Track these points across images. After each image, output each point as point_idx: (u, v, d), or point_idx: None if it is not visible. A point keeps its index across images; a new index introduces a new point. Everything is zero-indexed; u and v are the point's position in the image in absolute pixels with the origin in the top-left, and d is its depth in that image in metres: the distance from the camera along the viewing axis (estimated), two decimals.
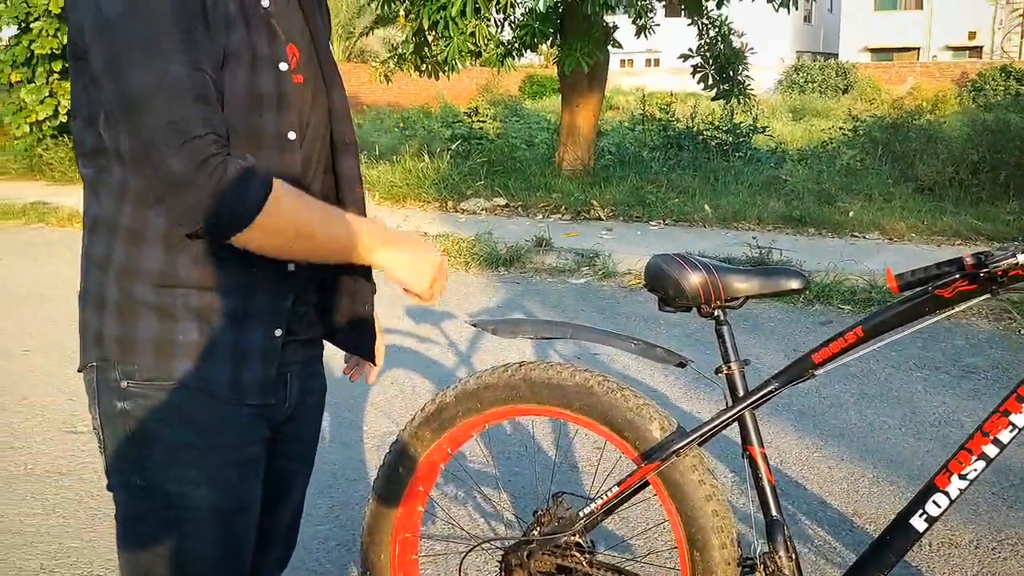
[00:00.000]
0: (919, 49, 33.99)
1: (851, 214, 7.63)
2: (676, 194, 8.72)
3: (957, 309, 1.75)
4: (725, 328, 1.90)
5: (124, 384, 1.29)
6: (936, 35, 33.66)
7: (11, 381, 4.48)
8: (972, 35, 33.03)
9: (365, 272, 1.51)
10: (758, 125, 11.99)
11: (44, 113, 11.37)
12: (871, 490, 3.19)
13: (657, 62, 39.01)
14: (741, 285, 1.86)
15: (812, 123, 18.13)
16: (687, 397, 4.10)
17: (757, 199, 8.33)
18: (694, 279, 1.86)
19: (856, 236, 7.25)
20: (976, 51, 33.05)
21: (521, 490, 3.14)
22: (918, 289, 1.75)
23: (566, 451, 3.45)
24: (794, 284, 1.87)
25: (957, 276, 1.66)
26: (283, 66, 1.28)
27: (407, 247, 1.39)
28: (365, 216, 1.45)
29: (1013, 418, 1.66)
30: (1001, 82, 24.16)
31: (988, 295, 1.70)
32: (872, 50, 34.56)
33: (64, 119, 11.51)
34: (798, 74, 29.63)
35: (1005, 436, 1.67)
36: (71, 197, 10.11)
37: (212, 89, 1.18)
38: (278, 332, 1.35)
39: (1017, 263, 1.58)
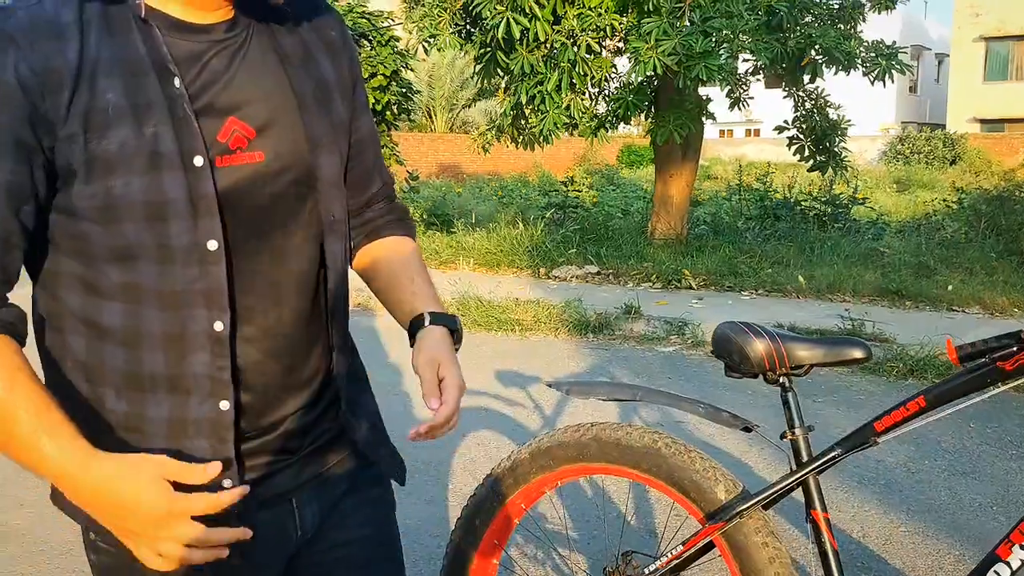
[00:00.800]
0: None
1: (950, 288, 7.47)
2: (770, 264, 8.70)
3: (1018, 382, 1.79)
4: (790, 395, 1.96)
5: (91, 535, 1.16)
6: None
7: None
8: None
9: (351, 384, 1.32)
10: (858, 196, 11.87)
11: None
12: (956, 568, 3.14)
13: (757, 132, 38.95)
14: (805, 353, 1.93)
15: (917, 194, 17.79)
16: (761, 461, 4.10)
17: (853, 270, 8.24)
18: (759, 347, 1.94)
19: (955, 310, 7.10)
20: None
21: (593, 548, 3.20)
22: (980, 361, 1.79)
23: (639, 511, 3.50)
24: (857, 354, 1.93)
25: (1015, 349, 1.70)
26: (198, 161, 1.06)
27: (106, 502, 1.02)
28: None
29: None
30: None
31: None
32: (982, 120, 33.76)
33: None
34: (903, 144, 29.15)
35: None
36: None
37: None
38: (226, 483, 1.12)
39: None
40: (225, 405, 1.12)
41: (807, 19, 7.62)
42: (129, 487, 1.01)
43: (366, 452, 1.33)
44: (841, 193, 11.64)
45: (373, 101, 12.82)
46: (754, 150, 32.44)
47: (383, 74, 12.85)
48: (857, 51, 7.72)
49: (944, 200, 12.25)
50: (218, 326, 1.10)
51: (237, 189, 1.10)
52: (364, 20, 13.18)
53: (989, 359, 1.74)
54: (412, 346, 1.33)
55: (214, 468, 1.06)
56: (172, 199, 1.05)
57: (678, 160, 9.52)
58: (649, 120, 9.20)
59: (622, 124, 9.24)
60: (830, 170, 9.83)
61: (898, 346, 5.87)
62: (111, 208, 1.04)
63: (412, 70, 14.48)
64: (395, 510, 1.46)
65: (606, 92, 9.44)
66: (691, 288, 8.21)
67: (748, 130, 40.25)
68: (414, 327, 1.33)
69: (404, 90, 13.56)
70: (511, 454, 2.16)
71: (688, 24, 7.05)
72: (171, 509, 1.01)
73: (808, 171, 10.45)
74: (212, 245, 1.08)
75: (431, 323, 1.33)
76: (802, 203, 11.46)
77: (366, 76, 12.72)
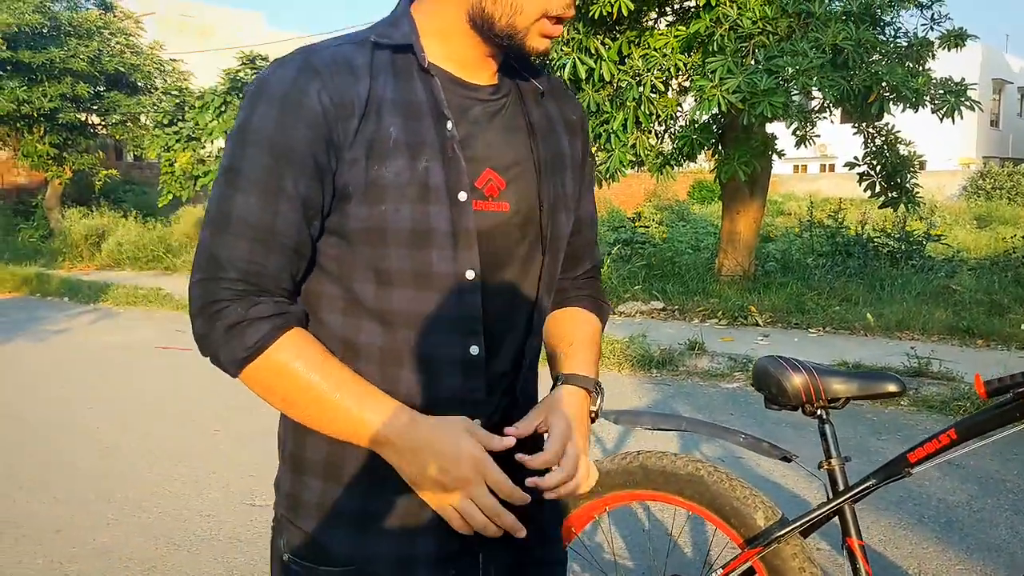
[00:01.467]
0: None
1: (1023, 327, 7.36)
2: (838, 301, 8.65)
3: None
4: (827, 427, 2.05)
5: (286, 557, 1.26)
6: None
7: (203, 459, 5.00)
8: None
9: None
10: (932, 233, 11.72)
11: None
12: None
13: (832, 167, 38.45)
14: (840, 387, 2.02)
15: (998, 231, 17.40)
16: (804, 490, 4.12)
17: (923, 308, 8.15)
18: (796, 380, 2.03)
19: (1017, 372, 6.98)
20: None
21: (638, 572, 3.29)
22: (1007, 396, 1.86)
23: (687, 537, 3.56)
24: (891, 387, 2.01)
25: None
26: (462, 196, 1.18)
27: (427, 457, 1.15)
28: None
29: None
30: None
31: None
32: None
33: None
34: (984, 180, 28.50)
35: None
36: None
37: (279, 228, 1.14)
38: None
39: None
40: (478, 422, 1.21)
41: (874, 57, 7.63)
42: (450, 440, 1.14)
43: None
44: (915, 230, 11.52)
45: None
46: (829, 185, 32.02)
47: None
48: (925, 88, 7.70)
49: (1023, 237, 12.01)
50: (474, 350, 1.22)
51: (488, 231, 1.21)
52: None
53: (1015, 394, 1.82)
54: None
55: (509, 440, 1.18)
56: (436, 229, 1.16)
57: (745, 197, 9.56)
58: (715, 157, 9.27)
59: (691, 161, 9.33)
60: (902, 206, 9.74)
61: (966, 385, 5.82)
62: (380, 231, 1.15)
63: None
64: None
65: (672, 130, 9.55)
66: (757, 325, 8.22)
67: (823, 165, 39.78)
68: (554, 380, 1.37)
69: None
70: None
71: (753, 62, 7.14)
72: (483, 459, 1.14)
73: (879, 208, 10.37)
74: (470, 275, 1.19)
75: (564, 383, 1.34)
76: (874, 240, 11.36)
77: None
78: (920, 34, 8.74)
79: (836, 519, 2.01)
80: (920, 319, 7.74)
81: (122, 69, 17.92)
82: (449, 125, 1.18)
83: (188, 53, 21.98)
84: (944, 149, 32.26)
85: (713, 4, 7.20)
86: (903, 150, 9.61)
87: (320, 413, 1.16)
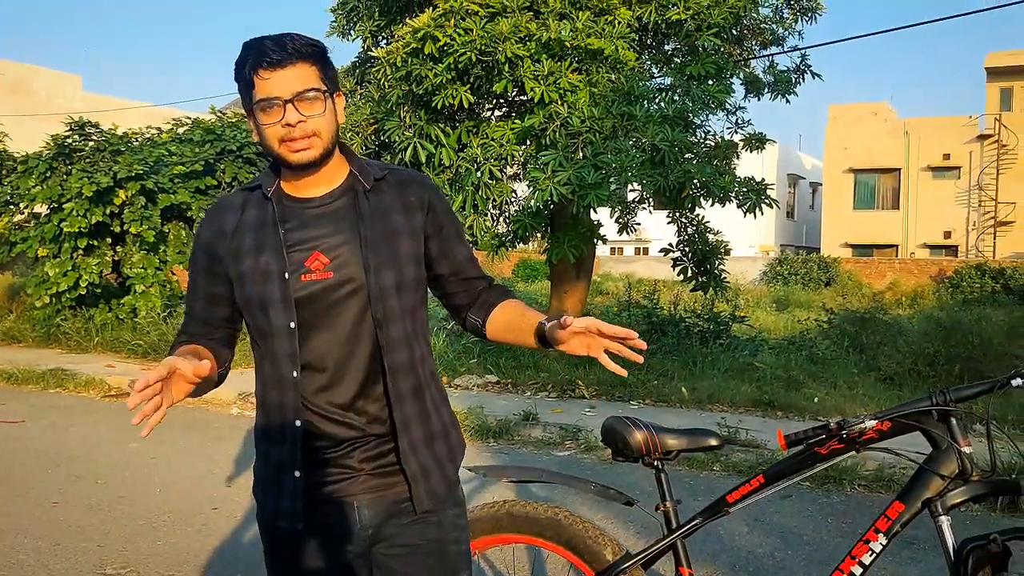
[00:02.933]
0: (897, 246, 35.57)
1: (816, 399, 8.23)
2: (656, 376, 9.34)
3: (832, 463, 2.34)
4: (662, 475, 2.47)
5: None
6: (913, 233, 35.31)
7: (45, 530, 4.93)
8: (948, 234, 34.68)
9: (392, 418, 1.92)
10: (737, 314, 12.78)
11: (65, 285, 12.06)
12: None
13: (646, 251, 40.63)
14: (673, 441, 2.46)
15: (794, 313, 18.97)
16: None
17: (731, 383, 8.95)
18: (638, 436, 2.46)
19: (820, 419, 7.82)
20: (952, 249, 34.62)
21: None
22: (802, 447, 2.34)
23: (547, 573, 3.91)
24: (712, 441, 2.47)
25: (825, 438, 2.26)
26: (287, 276, 1.82)
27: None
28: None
29: (872, 545, 2.22)
30: (977, 279, 25.30)
31: (854, 452, 2.30)
32: (852, 246, 36.14)
33: (84, 291, 12.21)
34: (782, 266, 30.90)
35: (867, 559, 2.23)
36: (86, 365, 10.69)
37: (194, 309, 1.98)
38: (297, 474, 1.86)
39: (866, 427, 2.19)
40: (298, 423, 1.86)
41: (687, 156, 8.48)
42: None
43: (413, 494, 1.91)
44: (722, 311, 12.53)
45: None
46: (643, 268, 33.83)
47: None
48: (731, 186, 8.62)
49: (816, 319, 13.27)
50: (294, 374, 1.85)
51: (314, 293, 1.84)
52: None
53: (807, 445, 2.30)
54: (547, 347, 1.91)
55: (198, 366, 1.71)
56: (272, 298, 1.84)
57: (572, 278, 10.21)
58: (545, 240, 9.89)
59: (524, 243, 9.90)
60: (711, 290, 10.65)
61: (769, 451, 6.50)
62: (246, 302, 1.88)
63: None
64: (452, 532, 1.99)
65: (506, 214, 10.14)
66: (584, 397, 8.77)
67: (638, 248, 41.99)
68: (539, 333, 1.91)
69: None
70: None
71: (581, 157, 7.80)
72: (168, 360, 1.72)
73: (691, 291, 11.27)
74: (292, 325, 1.84)
75: (549, 322, 1.90)
76: (686, 320, 12.26)
77: None
78: (726, 137, 9.76)
79: (671, 552, 2.42)
80: (728, 393, 8.50)
81: None
82: (280, 231, 1.85)
83: (10, 115, 21.05)
84: (746, 237, 34.83)
85: (546, 101, 7.85)
86: (711, 238, 10.56)
87: None
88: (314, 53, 1.83)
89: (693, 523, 2.41)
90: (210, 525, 5.03)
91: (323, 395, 1.86)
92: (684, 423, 7.37)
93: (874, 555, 2.23)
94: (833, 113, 37.29)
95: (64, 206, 11.79)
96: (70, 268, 12.07)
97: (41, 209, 12.86)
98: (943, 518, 2.15)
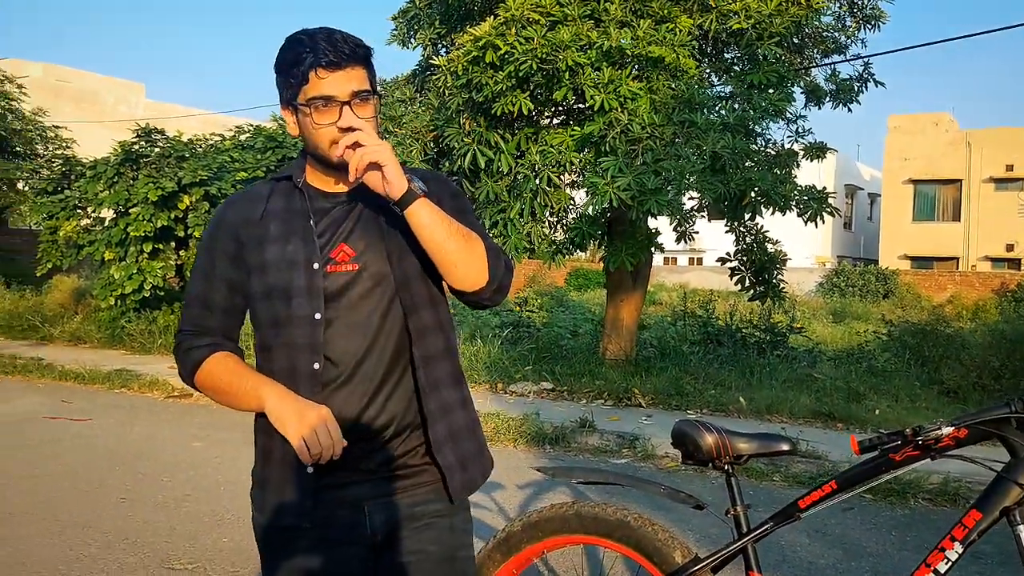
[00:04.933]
0: (958, 259, 34.86)
1: (877, 412, 8.11)
2: (713, 386, 9.28)
3: (906, 470, 2.32)
4: (733, 480, 2.46)
5: (252, 514, 1.98)
6: (974, 246, 34.58)
7: (115, 525, 5.05)
8: (1010, 247, 33.90)
9: (400, 422, 1.88)
10: (795, 326, 12.65)
11: (130, 288, 12.33)
12: None
13: (700, 260, 40.39)
14: (744, 445, 2.45)
15: (851, 325, 18.69)
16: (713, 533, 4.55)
17: (789, 394, 8.85)
18: (709, 440, 2.45)
19: (881, 432, 7.69)
20: (1015, 263, 33.82)
21: None
22: (875, 453, 2.32)
23: (616, 574, 3.91)
24: (784, 447, 2.46)
25: (900, 443, 2.23)
26: (315, 265, 1.82)
27: (285, 409, 1.78)
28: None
29: (948, 553, 2.19)
30: None
31: (929, 459, 2.27)
32: (911, 258, 35.50)
33: (147, 294, 12.48)
34: (839, 278, 30.48)
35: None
36: (149, 366, 10.93)
37: (214, 298, 1.91)
38: (309, 470, 1.82)
39: (942, 434, 2.16)
40: (310, 469, 1.82)
41: (748, 164, 8.42)
42: (311, 403, 1.79)
43: (448, 484, 1.90)
44: (779, 322, 12.40)
45: None
46: (697, 278, 33.61)
47: None
48: (792, 194, 8.54)
49: (875, 331, 13.07)
50: (316, 365, 1.83)
51: (339, 285, 1.84)
52: None
53: (882, 451, 2.28)
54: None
55: (340, 447, 1.78)
56: (297, 286, 1.83)
57: (628, 286, 10.19)
58: (602, 248, 9.88)
59: (581, 250, 9.91)
60: (768, 300, 10.55)
61: (829, 463, 6.42)
62: (266, 291, 1.86)
63: None
64: (462, 538, 1.97)
65: (563, 221, 10.16)
66: (640, 406, 8.74)
67: (691, 259, 41.74)
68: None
69: None
70: (505, 527, 2.62)
71: (641, 163, 7.79)
72: (329, 416, 1.77)
73: (748, 300, 11.17)
74: (317, 316, 1.82)
75: None
76: (742, 330, 12.16)
77: None
78: (787, 145, 9.67)
79: (741, 556, 2.41)
80: (787, 404, 8.41)
81: (3, 134, 17.57)
82: (311, 221, 1.87)
83: (79, 123, 21.63)
84: (802, 248, 34.43)
85: (606, 109, 7.85)
86: (770, 248, 10.45)
87: (236, 396, 1.86)
88: (366, 55, 1.85)
89: (764, 527, 2.40)
90: None
91: (340, 390, 1.83)
92: None
93: (950, 563, 2.20)
94: (893, 123, 36.70)
95: (130, 211, 12.07)
96: (135, 271, 12.34)
97: (107, 214, 13.17)
98: (1022, 527, 2.11)
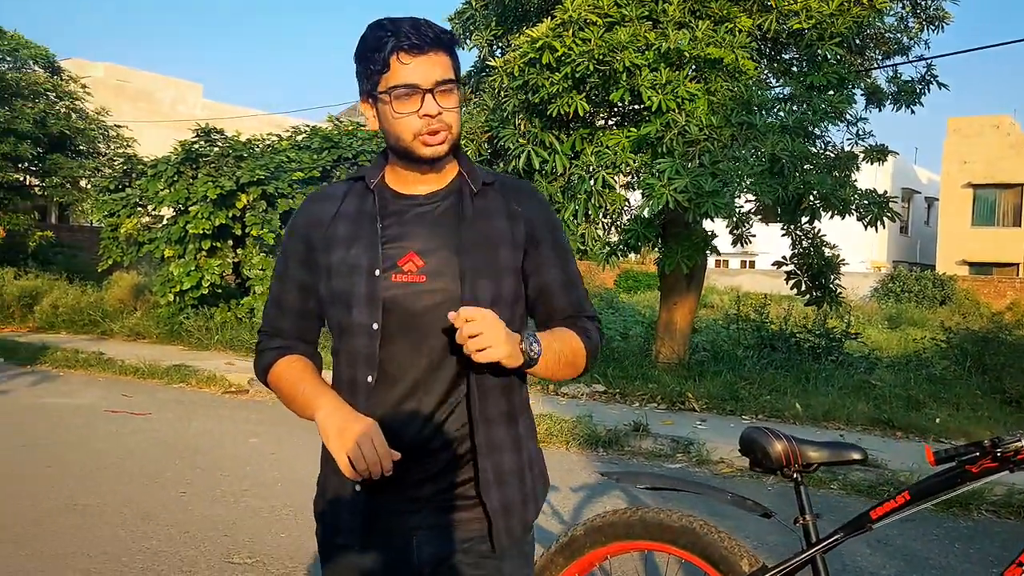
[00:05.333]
0: (1018, 265, 34.03)
1: (938, 420, 7.95)
2: (768, 391, 9.17)
3: (982, 482, 2.26)
4: (802, 488, 2.43)
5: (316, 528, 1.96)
6: None
7: (175, 518, 5.14)
8: None
9: (458, 455, 1.76)
10: (851, 331, 12.44)
11: (189, 284, 12.55)
12: None
13: (752, 264, 39.95)
14: (814, 454, 2.41)
15: (907, 332, 18.36)
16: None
17: (847, 400, 8.71)
18: (778, 447, 2.42)
19: (942, 442, 7.54)
20: None
21: None
22: (951, 464, 2.27)
23: None
24: (856, 455, 2.41)
25: (978, 455, 2.18)
26: (377, 272, 1.70)
27: (330, 423, 1.68)
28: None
29: None
30: None
31: (1007, 471, 2.21)
32: (969, 263, 34.74)
33: (206, 291, 12.68)
34: (894, 283, 29.96)
35: None
36: (207, 362, 11.10)
37: (288, 300, 1.87)
38: (358, 488, 1.74)
39: (1023, 446, 2.11)
40: (357, 487, 1.75)
41: (807, 166, 8.31)
42: (358, 416, 1.69)
43: (492, 529, 1.76)
44: (834, 327, 12.22)
45: None
46: (749, 281, 33.24)
47: None
48: (852, 198, 8.41)
49: (934, 338, 12.81)
50: (369, 379, 1.74)
51: (402, 296, 1.72)
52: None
53: (959, 463, 2.23)
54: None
55: (389, 462, 1.66)
56: (357, 294, 1.73)
57: (683, 289, 10.11)
58: (656, 250, 9.82)
59: (635, 252, 9.86)
60: (825, 305, 10.40)
61: (889, 471, 6.31)
62: (331, 296, 1.77)
63: None
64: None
65: (617, 223, 10.11)
66: (694, 410, 8.66)
67: (744, 262, 41.30)
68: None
69: None
70: (567, 531, 2.61)
71: (698, 165, 7.73)
72: (376, 430, 1.66)
73: (805, 305, 11.02)
74: (375, 326, 1.71)
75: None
76: (797, 335, 12.00)
77: None
78: (846, 148, 9.52)
79: (809, 566, 2.38)
80: (844, 410, 8.28)
81: (67, 132, 18.00)
82: (378, 226, 1.75)
83: (139, 122, 22.07)
84: (857, 252, 33.85)
85: (664, 110, 7.80)
86: (828, 253, 10.30)
87: (296, 403, 1.81)
88: (450, 42, 1.73)
89: (834, 538, 2.35)
90: None
91: (398, 408, 1.73)
92: None
93: None
94: (952, 126, 35.95)
95: (190, 209, 12.27)
96: (193, 268, 12.55)
97: (167, 211, 13.41)
98: None
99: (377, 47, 1.69)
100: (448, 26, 10.83)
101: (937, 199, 39.05)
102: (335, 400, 1.73)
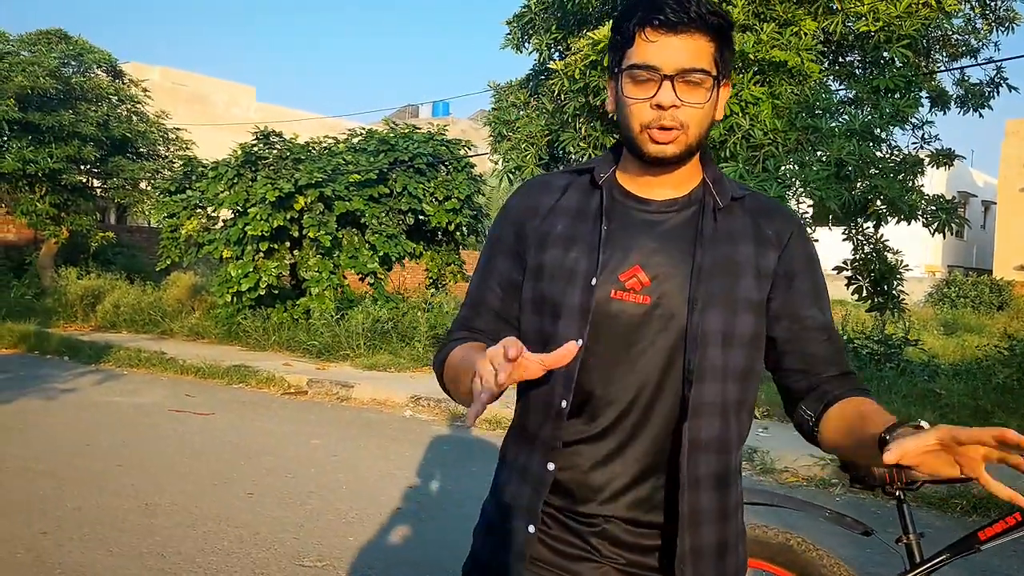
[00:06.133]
0: None
1: None
2: None
3: None
4: (905, 506, 2.38)
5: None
6: None
7: (245, 520, 5.19)
8: None
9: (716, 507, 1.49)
10: (910, 338, 12.21)
11: (246, 285, 12.69)
12: None
13: None
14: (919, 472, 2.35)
15: (964, 338, 18.00)
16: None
17: (912, 409, 8.54)
18: None
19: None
20: None
21: None
22: None
23: None
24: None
25: None
26: (594, 281, 1.45)
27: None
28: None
29: None
30: None
31: None
32: None
33: (263, 292, 12.82)
34: (950, 288, 29.41)
35: None
36: (265, 362, 11.22)
37: (486, 298, 1.60)
38: (531, 529, 1.49)
39: None
40: (551, 466, 1.49)
41: (872, 171, 8.17)
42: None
43: None
44: (893, 334, 11.99)
45: (446, 222, 13.58)
46: None
47: (457, 197, 13.65)
48: (919, 203, 8.25)
49: (996, 346, 12.52)
50: (563, 404, 1.47)
51: (620, 315, 1.46)
52: (443, 147, 14.05)
53: None
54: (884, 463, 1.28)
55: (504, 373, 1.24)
56: (569, 304, 1.47)
57: None
58: None
59: None
60: (887, 313, 10.22)
61: (960, 484, 6.17)
62: (536, 300, 1.53)
63: (484, 195, 15.29)
64: None
65: None
66: (756, 418, 8.56)
67: None
68: (881, 445, 1.33)
69: (475, 212, 14.33)
70: None
71: (763, 170, 7.64)
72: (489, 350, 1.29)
73: (867, 312, 10.84)
74: (579, 342, 1.31)
75: (894, 430, 1.35)
76: (855, 341, 11.81)
77: (441, 198, 13.51)
78: (911, 152, 9.35)
79: None
80: (911, 419, 8.10)
81: (129, 135, 18.35)
82: (602, 229, 1.48)
83: (197, 125, 22.43)
84: (911, 257, 33.11)
85: (727, 115, 7.72)
86: (891, 258, 10.12)
87: (459, 381, 1.48)
88: (718, 25, 1.43)
89: (940, 559, 2.30)
90: (396, 526, 5.17)
91: (587, 445, 1.48)
92: None
93: None
94: (1011, 128, 35.19)
95: (249, 211, 12.41)
96: (251, 269, 12.69)
97: (225, 213, 13.60)
98: None
99: (627, 16, 1.46)
100: (506, 29, 10.84)
101: (994, 203, 38.26)
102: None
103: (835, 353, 1.56)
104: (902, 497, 2.37)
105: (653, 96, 1.42)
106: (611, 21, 8.41)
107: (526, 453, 1.55)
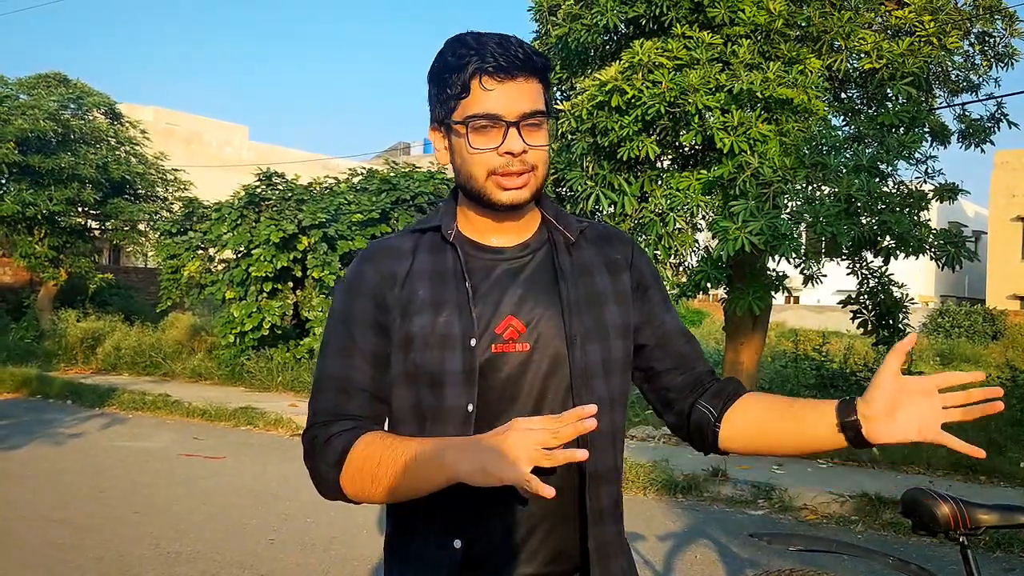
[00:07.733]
0: None
1: (1022, 464, 7.77)
2: None
3: None
4: (969, 552, 2.37)
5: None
6: None
7: (269, 568, 5.14)
8: None
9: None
10: (913, 370, 12.25)
11: (250, 326, 12.67)
12: None
13: (797, 300, 39.56)
14: (984, 516, 2.36)
15: (961, 368, 18.05)
16: None
17: (923, 444, 8.53)
18: (945, 509, 2.37)
19: None
20: None
21: None
22: None
23: None
24: None
25: None
26: (473, 342, 1.41)
27: (481, 453, 1.30)
28: None
29: None
30: None
31: None
32: (1021, 298, 34.18)
33: (266, 332, 12.79)
34: (943, 318, 29.50)
35: None
36: (271, 403, 11.17)
37: (354, 378, 1.46)
38: (457, 543, 1.43)
39: None
40: (457, 543, 1.43)
41: (880, 206, 8.23)
42: (496, 432, 1.30)
43: None
44: None
45: None
46: (793, 317, 32.97)
47: None
48: (927, 237, 8.31)
49: (998, 377, 12.54)
50: None
51: (504, 368, 1.44)
52: (444, 186, 14.12)
53: None
54: (847, 431, 1.49)
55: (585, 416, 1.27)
56: (450, 371, 1.42)
57: (748, 329, 10.01)
58: (724, 290, 9.75)
59: (704, 293, 9.79)
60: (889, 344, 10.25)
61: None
62: (411, 372, 1.45)
63: None
64: None
65: (683, 264, 10.06)
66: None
67: (787, 297, 40.95)
68: (842, 413, 1.50)
69: None
70: None
71: (772, 207, 7.69)
72: (522, 420, 1.29)
73: (873, 346, 10.87)
74: (469, 408, 1.40)
75: (848, 402, 1.51)
76: (858, 374, 11.82)
77: None
78: (915, 186, 9.43)
79: None
80: (924, 454, 8.11)
81: (128, 177, 18.39)
82: (467, 286, 1.45)
83: (194, 166, 22.48)
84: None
85: (735, 152, 7.78)
86: (896, 292, 10.16)
87: (409, 477, 1.35)
88: (543, 67, 1.46)
89: None
90: None
91: (494, 509, 1.43)
92: (881, 486, 7.08)
93: None
94: (1000, 159, 35.56)
95: (252, 252, 12.42)
96: (255, 310, 12.68)
97: (227, 254, 13.60)
98: None
99: (457, 67, 1.43)
100: None
101: (984, 232, 38.54)
102: (460, 439, 1.37)
103: (699, 352, 1.64)
104: (965, 543, 2.37)
105: (500, 145, 1.42)
106: (612, 64, 8.54)
107: (423, 530, 1.48)
